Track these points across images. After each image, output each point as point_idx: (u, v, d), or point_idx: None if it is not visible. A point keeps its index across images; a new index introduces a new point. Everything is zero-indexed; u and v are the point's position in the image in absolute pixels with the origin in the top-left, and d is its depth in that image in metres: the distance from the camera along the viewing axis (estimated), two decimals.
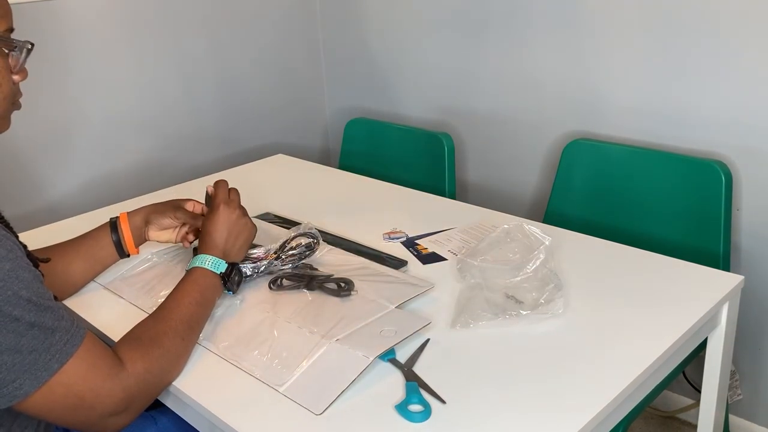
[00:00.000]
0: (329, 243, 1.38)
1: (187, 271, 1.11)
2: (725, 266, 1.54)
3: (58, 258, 1.18)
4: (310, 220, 1.36)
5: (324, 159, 2.61)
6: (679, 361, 1.11)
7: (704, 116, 1.68)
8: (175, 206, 1.27)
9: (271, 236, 1.41)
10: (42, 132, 1.88)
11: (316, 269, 1.26)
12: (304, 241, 1.27)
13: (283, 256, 1.25)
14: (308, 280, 1.20)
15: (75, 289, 1.25)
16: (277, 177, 1.90)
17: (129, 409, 0.92)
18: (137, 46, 2.04)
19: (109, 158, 2.03)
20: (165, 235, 1.29)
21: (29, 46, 0.98)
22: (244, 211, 1.20)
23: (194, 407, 0.97)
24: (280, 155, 2.11)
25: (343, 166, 2.20)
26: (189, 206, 1.28)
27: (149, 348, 0.96)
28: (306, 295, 1.18)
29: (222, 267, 1.12)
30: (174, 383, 1.00)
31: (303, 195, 1.74)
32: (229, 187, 1.22)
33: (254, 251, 1.25)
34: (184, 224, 1.29)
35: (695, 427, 1.46)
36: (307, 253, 1.27)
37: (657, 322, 1.08)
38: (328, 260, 1.31)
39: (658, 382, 1.06)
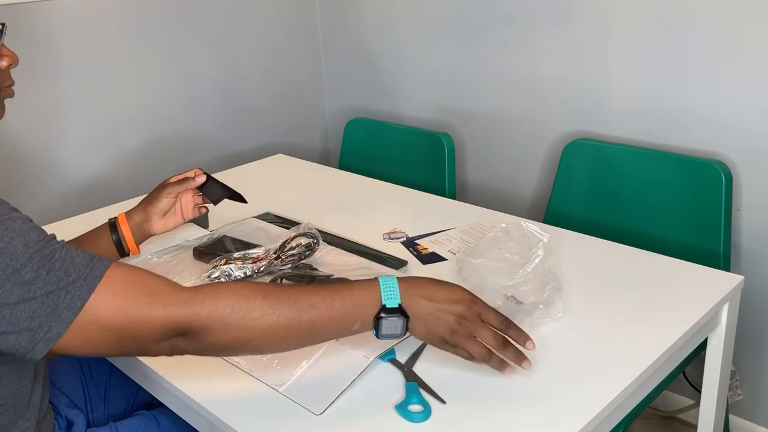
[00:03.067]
0: (329, 243, 1.38)
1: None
2: (725, 266, 1.54)
3: None
4: (310, 220, 1.36)
5: (324, 159, 2.61)
6: (679, 361, 1.11)
7: (704, 116, 1.68)
8: (161, 188, 1.26)
9: (271, 236, 1.41)
10: (41, 132, 1.88)
11: (316, 269, 1.26)
12: (304, 241, 1.27)
13: (283, 256, 1.25)
14: (308, 280, 1.20)
15: None
16: (277, 177, 1.90)
17: (191, 334, 0.85)
18: (137, 46, 2.04)
19: (109, 158, 2.03)
20: (171, 221, 1.28)
21: (1, 26, 0.92)
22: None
23: (194, 407, 0.97)
24: (280, 155, 2.11)
25: (343, 166, 2.20)
26: (173, 179, 1.28)
27: (230, 308, 0.85)
28: None
29: (395, 301, 0.90)
30: (174, 383, 1.00)
31: (303, 195, 1.74)
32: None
33: (254, 251, 1.25)
34: (178, 195, 1.28)
35: (695, 427, 1.46)
36: (307, 253, 1.27)
37: (657, 322, 1.08)
38: (328, 260, 1.31)
39: (658, 382, 1.06)
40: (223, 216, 1.57)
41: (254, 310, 0.86)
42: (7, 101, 0.99)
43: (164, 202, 1.26)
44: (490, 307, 0.94)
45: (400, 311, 0.90)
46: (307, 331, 0.89)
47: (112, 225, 1.25)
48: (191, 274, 1.28)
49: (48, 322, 0.80)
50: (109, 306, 0.82)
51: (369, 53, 2.39)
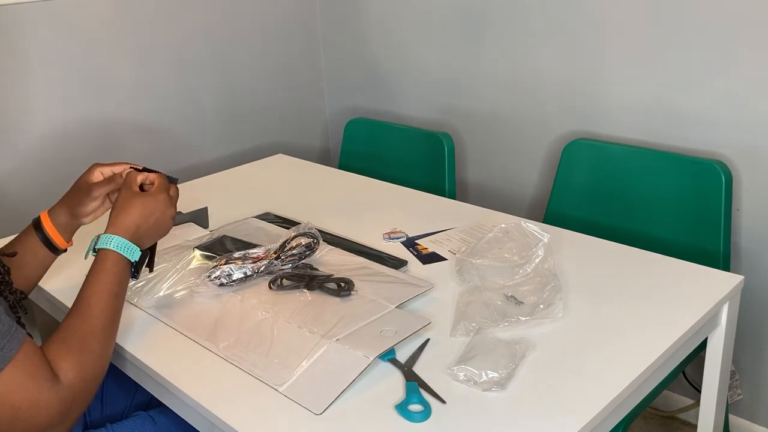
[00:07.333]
0: (329, 243, 1.38)
1: (98, 249, 1.03)
2: (725, 266, 1.54)
3: None
4: (310, 220, 1.36)
5: (324, 159, 2.61)
6: (679, 361, 1.11)
7: (704, 116, 1.68)
8: (87, 192, 1.16)
9: (271, 236, 1.41)
10: (40, 132, 1.88)
11: (316, 269, 1.26)
12: (304, 241, 1.27)
13: (283, 256, 1.25)
14: (308, 280, 1.20)
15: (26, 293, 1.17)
16: (277, 177, 1.90)
17: (65, 420, 0.88)
18: (137, 47, 2.04)
19: (109, 158, 2.03)
20: (100, 212, 1.19)
21: None
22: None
23: (194, 407, 0.97)
24: (280, 155, 2.11)
25: (343, 166, 2.20)
26: (96, 178, 1.18)
27: (80, 354, 0.91)
28: (306, 295, 1.18)
29: (136, 255, 1.06)
30: (174, 383, 1.00)
31: (303, 195, 1.74)
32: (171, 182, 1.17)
33: (254, 251, 1.25)
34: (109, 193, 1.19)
35: (695, 427, 1.46)
36: (307, 253, 1.28)
37: (657, 322, 1.08)
38: (328, 260, 1.31)
39: (658, 382, 1.06)
40: (223, 216, 1.57)
41: (101, 349, 0.95)
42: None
43: (92, 206, 1.17)
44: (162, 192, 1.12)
45: (142, 253, 1.08)
46: (117, 323, 1.01)
47: (37, 226, 1.16)
48: (191, 274, 1.28)
49: None
50: (19, 382, 0.82)
51: (369, 53, 2.39)
